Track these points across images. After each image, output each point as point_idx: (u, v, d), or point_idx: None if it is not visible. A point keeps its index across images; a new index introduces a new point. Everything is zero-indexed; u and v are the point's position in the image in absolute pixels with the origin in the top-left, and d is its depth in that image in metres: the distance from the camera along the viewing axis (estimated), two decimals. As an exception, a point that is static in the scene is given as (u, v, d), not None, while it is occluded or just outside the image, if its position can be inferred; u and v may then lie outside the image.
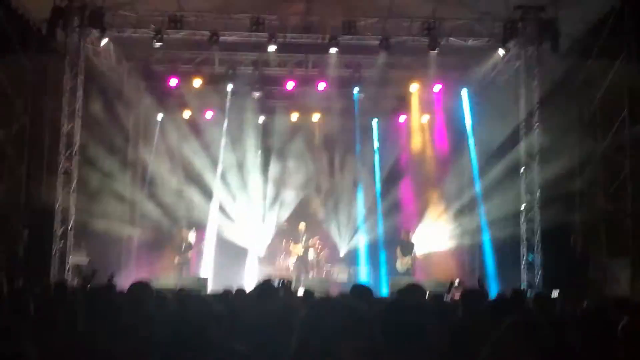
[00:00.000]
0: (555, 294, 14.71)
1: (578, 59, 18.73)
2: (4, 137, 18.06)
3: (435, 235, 22.46)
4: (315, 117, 23.65)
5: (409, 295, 6.06)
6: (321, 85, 21.73)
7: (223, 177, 22.89)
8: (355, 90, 22.31)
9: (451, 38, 18.85)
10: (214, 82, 22.23)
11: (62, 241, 17.99)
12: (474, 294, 7.11)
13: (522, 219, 18.63)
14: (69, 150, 18.40)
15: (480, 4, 18.13)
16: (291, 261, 21.35)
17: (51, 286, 10.44)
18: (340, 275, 21.88)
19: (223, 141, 22.89)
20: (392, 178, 23.50)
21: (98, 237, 20.10)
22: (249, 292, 7.61)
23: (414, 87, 22.14)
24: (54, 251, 17.79)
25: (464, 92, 22.41)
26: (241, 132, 23.18)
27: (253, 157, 23.25)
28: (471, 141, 22.53)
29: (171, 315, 5.28)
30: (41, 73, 18.90)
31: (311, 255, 21.25)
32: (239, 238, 22.88)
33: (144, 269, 21.34)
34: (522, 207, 18.64)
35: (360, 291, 6.02)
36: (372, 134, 23.87)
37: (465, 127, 22.77)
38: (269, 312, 4.66)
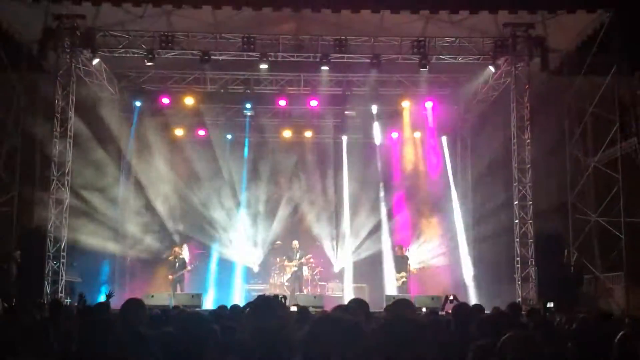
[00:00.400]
0: (550, 305, 14.76)
1: (568, 75, 18.87)
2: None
3: (429, 251, 22.45)
4: (307, 134, 23.70)
5: (398, 309, 6.05)
6: (313, 103, 21.80)
7: (216, 194, 22.84)
8: (347, 107, 22.37)
9: (441, 56, 18.96)
10: (206, 100, 22.26)
11: (55, 261, 17.91)
12: (465, 308, 7.09)
13: (516, 234, 18.64)
14: (61, 170, 18.35)
15: (470, 22, 18.25)
16: (285, 278, 21.29)
17: (45, 305, 10.40)
18: (335, 291, 21.81)
19: (215, 159, 22.87)
20: (385, 194, 23.49)
21: (90, 256, 20.02)
22: (244, 308, 7.58)
23: (406, 104, 22.24)
24: (46, 271, 17.69)
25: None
26: (233, 149, 23.19)
27: (245, 175, 23.21)
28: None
29: (165, 334, 5.25)
30: (32, 93, 18.91)
31: (305, 272, 21.19)
32: (233, 255, 22.81)
33: (137, 287, 21.27)
34: (516, 222, 18.66)
35: (357, 305, 5.99)
36: (365, 151, 23.86)
37: (457, 143, 22.93)
38: (265, 328, 4.63)
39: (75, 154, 18.86)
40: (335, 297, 21.04)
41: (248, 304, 5.79)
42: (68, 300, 17.42)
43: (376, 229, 23.01)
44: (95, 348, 5.14)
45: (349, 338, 2.82)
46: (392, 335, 3.47)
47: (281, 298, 8.74)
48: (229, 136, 23.52)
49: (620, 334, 4.62)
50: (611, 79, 17.38)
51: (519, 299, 17.85)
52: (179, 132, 23.29)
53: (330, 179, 23.82)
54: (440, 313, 11.77)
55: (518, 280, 18.33)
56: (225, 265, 22.63)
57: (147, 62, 18.74)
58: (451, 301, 11.53)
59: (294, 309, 11.15)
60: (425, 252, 22.42)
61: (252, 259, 22.96)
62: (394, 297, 17.21)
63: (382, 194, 23.42)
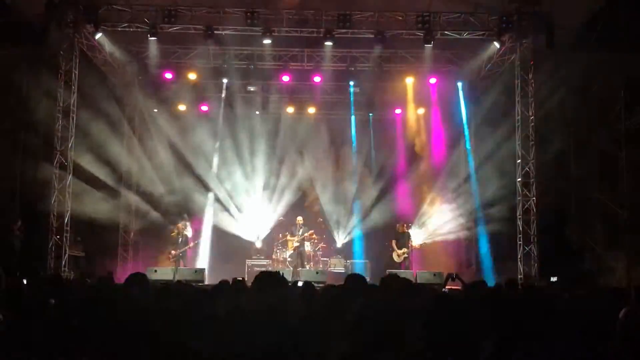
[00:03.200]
0: (553, 279, 14.80)
1: (573, 51, 18.75)
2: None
3: (431, 227, 22.46)
4: (311, 110, 23.63)
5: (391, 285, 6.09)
6: (316, 79, 21.73)
7: (219, 170, 22.85)
8: (351, 83, 22.30)
9: (446, 31, 18.85)
10: (209, 76, 22.19)
11: (58, 235, 17.97)
12: (477, 285, 7.11)
13: (519, 211, 18.65)
14: (64, 145, 18.36)
15: (475, -3, 18.13)
16: (288, 254, 21.36)
17: (46, 280, 10.43)
18: (337, 267, 21.87)
19: (219, 135, 22.85)
20: (388, 170, 23.48)
21: (94, 231, 20.08)
22: (249, 284, 7.60)
23: (410, 80, 22.16)
24: (50, 245, 17.76)
25: (459, 85, 22.46)
26: (237, 125, 23.12)
27: (249, 150, 23.17)
28: (467, 133, 22.58)
29: (168, 308, 5.27)
30: (35, 67, 18.86)
31: (308, 247, 21.24)
32: (237, 230, 22.86)
33: (141, 261, 21.38)
34: (518, 199, 18.67)
35: (355, 280, 6.04)
36: (368, 127, 23.84)
37: (461, 120, 22.82)
38: (269, 304, 4.65)
39: (78, 128, 18.86)
40: (338, 273, 21.13)
41: (253, 280, 5.82)
42: (71, 275, 17.53)
43: (379, 205, 23.02)
44: (97, 322, 5.16)
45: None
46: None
47: (282, 274, 8.75)
48: (231, 111, 23.45)
49: (625, 309, 4.59)
50: (617, 56, 17.27)
51: (521, 276, 17.93)
52: (181, 107, 23.25)
53: (333, 155, 23.81)
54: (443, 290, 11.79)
55: (520, 257, 18.38)
56: (228, 240, 22.66)
57: (150, 36, 18.69)
58: (453, 279, 11.52)
59: (300, 284, 11.16)
60: (428, 228, 22.45)
61: (255, 234, 23.01)
62: (395, 273, 17.28)
63: (385, 170, 23.40)
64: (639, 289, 7.58)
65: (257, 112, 23.59)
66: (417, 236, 21.47)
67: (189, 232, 20.51)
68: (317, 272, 18.53)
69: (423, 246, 20.87)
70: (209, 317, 4.77)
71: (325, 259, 22.18)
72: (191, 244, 20.15)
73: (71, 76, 18.46)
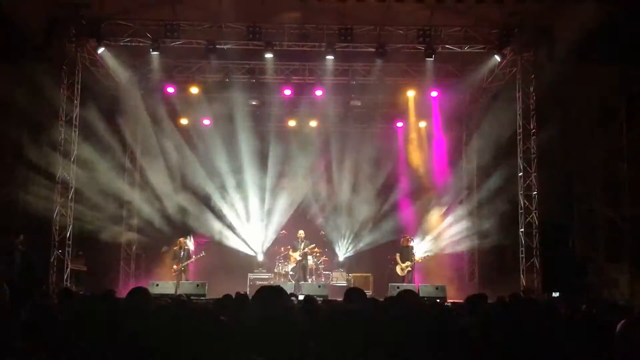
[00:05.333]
0: (555, 294, 14.76)
1: (574, 64, 18.79)
2: (1, 145, 18.11)
3: (434, 241, 22.46)
4: (313, 123, 23.65)
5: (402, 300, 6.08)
6: (318, 93, 21.77)
7: (221, 184, 22.86)
8: (352, 97, 22.34)
9: (447, 45, 18.91)
10: (211, 90, 22.24)
11: (60, 249, 17.97)
12: (478, 298, 7.11)
13: (521, 224, 18.63)
14: (67, 159, 18.40)
15: (476, 11, 18.17)
16: (290, 267, 21.31)
17: (51, 293, 10.44)
18: (339, 281, 21.82)
19: (220, 148, 22.85)
20: (390, 184, 23.48)
21: (96, 245, 20.08)
22: (250, 298, 7.58)
23: (411, 94, 22.20)
24: (52, 259, 17.76)
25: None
26: (238, 139, 23.13)
27: (250, 164, 23.18)
28: (469, 146, 22.66)
29: (171, 322, 5.27)
30: (38, 82, 18.93)
31: (310, 261, 21.19)
32: (238, 244, 22.85)
33: (142, 275, 21.34)
34: (521, 212, 18.66)
35: (354, 294, 6.04)
36: (370, 141, 23.84)
37: (463, 132, 22.89)
38: (270, 318, 4.64)
39: (80, 142, 18.91)
40: (340, 287, 21.07)
41: (255, 294, 5.83)
42: (73, 289, 17.51)
43: (381, 218, 23.01)
44: (99, 336, 5.16)
45: (366, 330, 2.78)
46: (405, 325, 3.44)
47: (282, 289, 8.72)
48: (233, 125, 23.49)
49: (622, 321, 4.56)
50: (618, 69, 17.31)
51: (522, 289, 17.88)
52: (184, 121, 23.30)
53: (335, 168, 23.78)
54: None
55: (522, 270, 18.35)
56: (230, 254, 22.64)
57: (152, 51, 18.77)
58: None
59: (300, 297, 11.15)
60: (430, 241, 22.44)
61: (256, 248, 22.99)
62: (397, 286, 17.25)
63: (387, 183, 23.39)
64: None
65: (259, 126, 23.61)
66: (420, 249, 21.44)
67: (190, 246, 20.48)
68: (319, 286, 18.48)
69: (426, 259, 20.80)
70: (213, 330, 4.76)
71: (327, 272, 22.12)
72: (193, 258, 20.14)
73: (74, 90, 18.54)
